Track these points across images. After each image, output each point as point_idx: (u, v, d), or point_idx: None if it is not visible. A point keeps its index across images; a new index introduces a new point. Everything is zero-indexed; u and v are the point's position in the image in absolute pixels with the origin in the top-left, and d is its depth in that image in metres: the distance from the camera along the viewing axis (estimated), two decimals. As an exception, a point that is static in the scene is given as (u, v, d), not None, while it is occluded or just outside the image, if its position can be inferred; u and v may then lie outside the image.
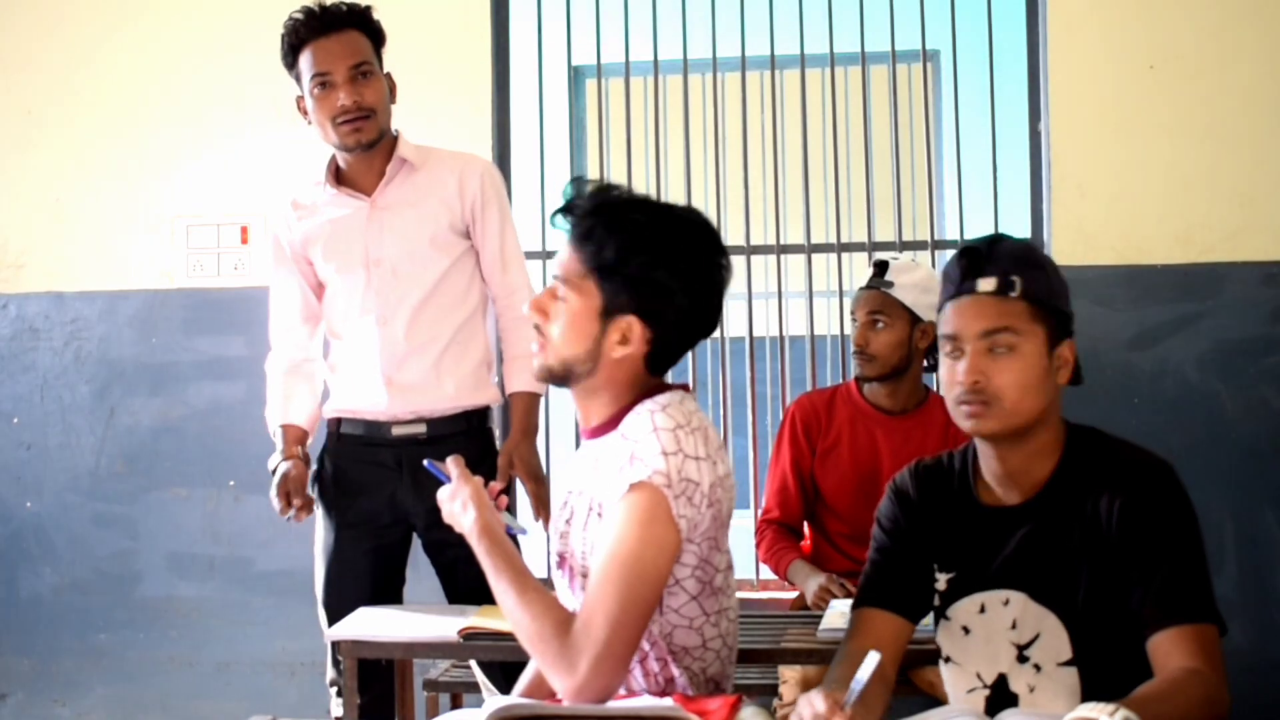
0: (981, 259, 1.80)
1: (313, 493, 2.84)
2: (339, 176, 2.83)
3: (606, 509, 1.82)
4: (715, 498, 1.82)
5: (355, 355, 2.82)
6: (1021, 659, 1.81)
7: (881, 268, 3.03)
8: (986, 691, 1.83)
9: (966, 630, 1.86)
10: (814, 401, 3.14)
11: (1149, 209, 3.58)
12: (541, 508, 2.74)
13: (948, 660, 1.89)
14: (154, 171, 3.97)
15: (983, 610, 1.84)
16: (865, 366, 3.01)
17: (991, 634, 1.83)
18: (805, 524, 3.16)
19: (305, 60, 2.72)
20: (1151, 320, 3.57)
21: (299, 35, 2.72)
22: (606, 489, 1.83)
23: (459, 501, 1.88)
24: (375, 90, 2.73)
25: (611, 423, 1.89)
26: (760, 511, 3.23)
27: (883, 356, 2.99)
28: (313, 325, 2.91)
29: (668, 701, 1.71)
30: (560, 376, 1.89)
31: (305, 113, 2.78)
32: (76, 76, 4.00)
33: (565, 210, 1.88)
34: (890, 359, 2.99)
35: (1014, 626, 1.81)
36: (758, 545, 3.14)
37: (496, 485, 1.97)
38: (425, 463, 1.94)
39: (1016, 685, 1.81)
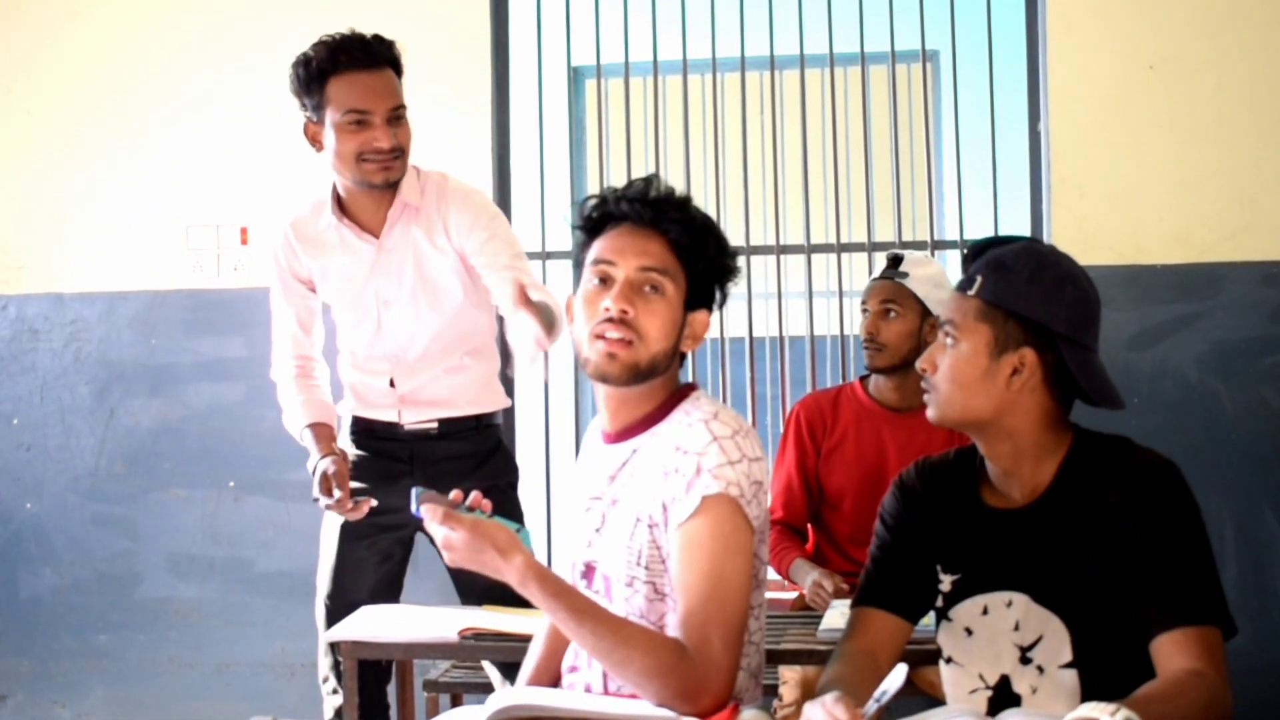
0: (969, 258, 1.90)
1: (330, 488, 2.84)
2: (341, 206, 2.77)
3: (660, 517, 1.81)
4: (765, 492, 1.86)
5: (368, 375, 2.83)
6: (1024, 660, 1.81)
7: (896, 259, 3.03)
8: (989, 693, 1.83)
9: (969, 631, 1.86)
10: (819, 401, 3.13)
11: (1149, 209, 3.58)
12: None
13: (949, 661, 1.89)
14: (154, 172, 3.97)
15: (985, 612, 1.84)
16: (875, 356, 3.00)
17: (995, 635, 1.83)
18: (808, 526, 3.15)
19: (340, 90, 2.61)
20: (1151, 320, 3.57)
21: (336, 63, 2.60)
22: (651, 498, 1.83)
23: (489, 553, 1.75)
24: (407, 132, 2.68)
25: (631, 429, 1.89)
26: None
27: (893, 346, 2.99)
28: (313, 333, 2.91)
29: (666, 713, 1.73)
30: (645, 374, 1.85)
31: (316, 140, 2.69)
32: (76, 77, 4.00)
33: (638, 200, 1.87)
34: (900, 349, 2.99)
35: (1017, 628, 1.81)
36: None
37: (477, 495, 1.87)
38: (414, 496, 1.84)
39: (1019, 686, 1.81)
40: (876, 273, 3.09)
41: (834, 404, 3.10)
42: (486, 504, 1.86)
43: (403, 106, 2.67)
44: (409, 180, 2.73)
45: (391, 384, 2.80)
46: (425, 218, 2.74)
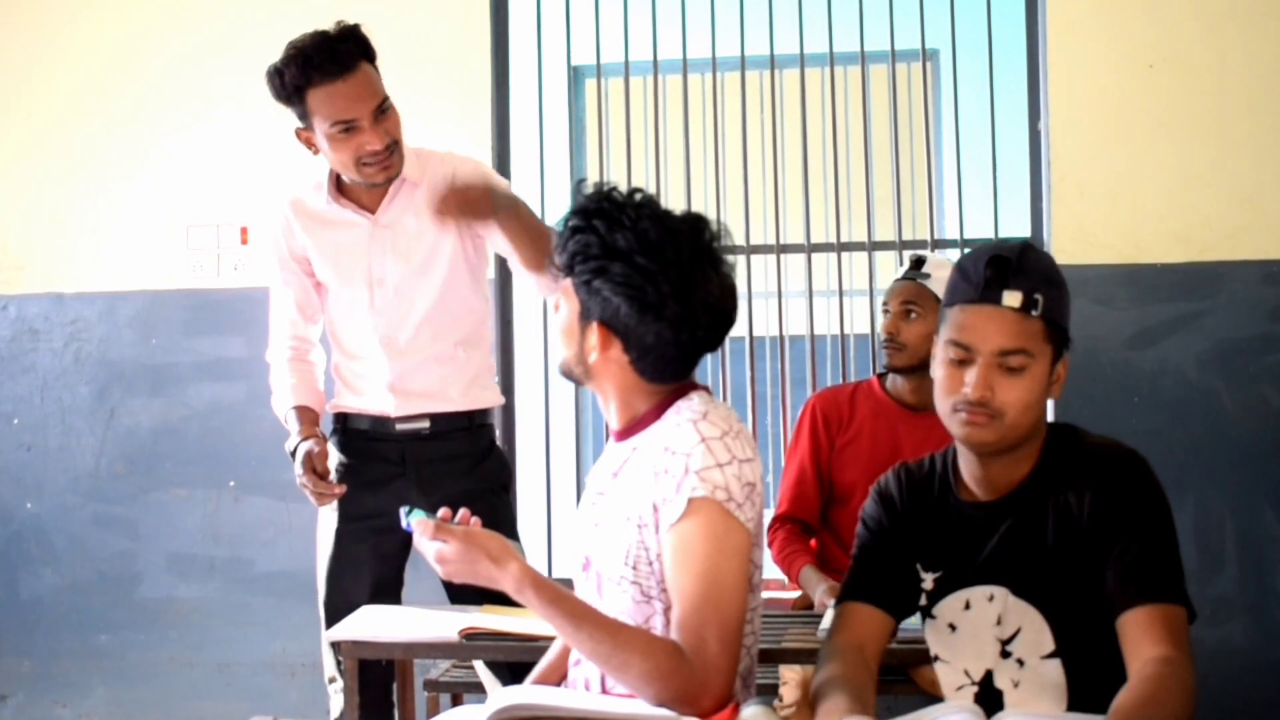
0: (1009, 270, 1.77)
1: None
2: (339, 187, 2.79)
3: (650, 518, 1.81)
4: (759, 493, 1.85)
5: (360, 363, 2.82)
6: (1005, 654, 1.82)
7: (919, 261, 3.05)
8: (975, 688, 1.85)
9: (953, 627, 1.88)
10: (836, 395, 3.14)
11: (1149, 208, 3.58)
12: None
13: (937, 659, 1.91)
14: (154, 171, 3.97)
15: (967, 607, 1.86)
16: (895, 356, 3.01)
17: (977, 630, 1.85)
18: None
19: (320, 103, 2.59)
20: (1151, 319, 3.57)
21: (309, 78, 2.57)
22: (641, 498, 1.83)
23: (483, 562, 1.77)
24: (396, 122, 2.66)
25: (633, 428, 1.90)
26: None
27: (913, 346, 2.99)
28: (312, 318, 2.90)
29: (666, 713, 1.73)
30: (565, 375, 1.94)
31: (311, 145, 2.69)
32: (77, 78, 4.00)
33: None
34: (920, 350, 2.99)
35: (998, 622, 1.83)
36: (769, 544, 3.13)
37: (465, 513, 1.90)
38: (403, 514, 1.87)
39: (1001, 681, 1.83)
40: (899, 273, 3.10)
41: (850, 399, 3.11)
42: (476, 521, 1.88)
43: (386, 99, 2.64)
44: (407, 157, 2.73)
45: (384, 370, 2.77)
46: (424, 194, 2.73)
